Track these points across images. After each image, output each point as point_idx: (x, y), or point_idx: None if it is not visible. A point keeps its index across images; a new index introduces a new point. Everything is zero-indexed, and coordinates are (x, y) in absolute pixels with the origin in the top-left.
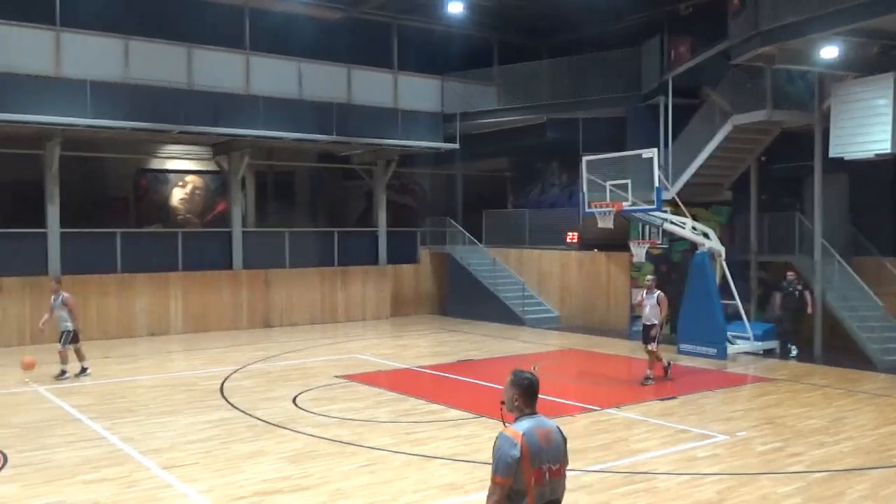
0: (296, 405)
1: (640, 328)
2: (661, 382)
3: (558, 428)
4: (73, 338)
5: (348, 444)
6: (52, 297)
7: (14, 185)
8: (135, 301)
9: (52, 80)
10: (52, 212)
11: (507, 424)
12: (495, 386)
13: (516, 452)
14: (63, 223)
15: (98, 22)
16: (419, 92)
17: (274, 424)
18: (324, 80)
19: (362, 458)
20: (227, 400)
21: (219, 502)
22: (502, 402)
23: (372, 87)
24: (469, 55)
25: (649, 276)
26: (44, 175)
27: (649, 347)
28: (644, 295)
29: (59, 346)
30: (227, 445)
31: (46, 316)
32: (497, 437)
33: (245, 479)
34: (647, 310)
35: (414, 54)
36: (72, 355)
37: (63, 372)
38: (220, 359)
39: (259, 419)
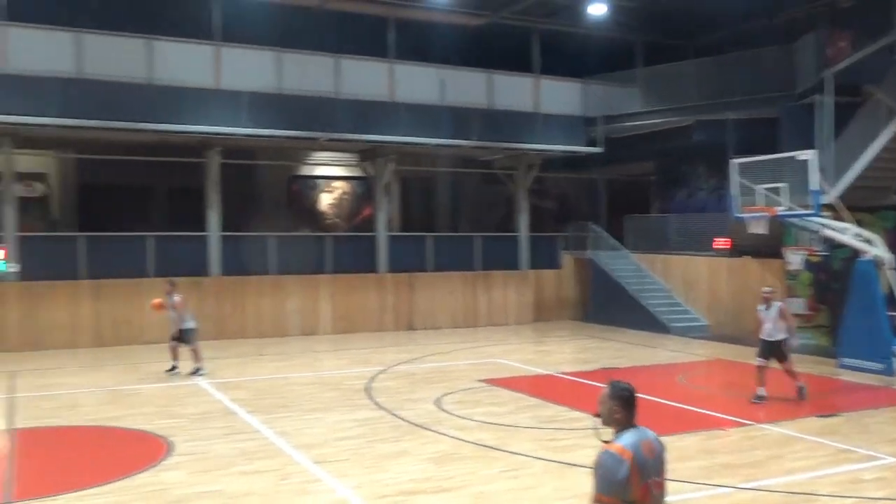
0: (439, 407)
1: (784, 341)
2: (822, 398)
3: (657, 437)
4: (180, 337)
5: (490, 448)
6: (167, 298)
7: (178, 192)
8: (287, 302)
9: (212, 92)
10: (213, 217)
11: (607, 440)
12: (643, 396)
13: (625, 470)
14: (222, 227)
15: (255, 36)
16: (560, 96)
17: (417, 425)
18: (465, 86)
19: (504, 463)
20: (372, 399)
21: (365, 499)
22: (597, 415)
23: (512, 91)
24: (610, 57)
25: (766, 288)
26: (205, 182)
27: (759, 363)
28: (763, 308)
29: (187, 345)
30: (372, 444)
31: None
32: (600, 454)
33: (390, 477)
34: (768, 325)
35: (554, 58)
36: (181, 352)
37: (198, 369)
38: (366, 359)
39: (403, 419)
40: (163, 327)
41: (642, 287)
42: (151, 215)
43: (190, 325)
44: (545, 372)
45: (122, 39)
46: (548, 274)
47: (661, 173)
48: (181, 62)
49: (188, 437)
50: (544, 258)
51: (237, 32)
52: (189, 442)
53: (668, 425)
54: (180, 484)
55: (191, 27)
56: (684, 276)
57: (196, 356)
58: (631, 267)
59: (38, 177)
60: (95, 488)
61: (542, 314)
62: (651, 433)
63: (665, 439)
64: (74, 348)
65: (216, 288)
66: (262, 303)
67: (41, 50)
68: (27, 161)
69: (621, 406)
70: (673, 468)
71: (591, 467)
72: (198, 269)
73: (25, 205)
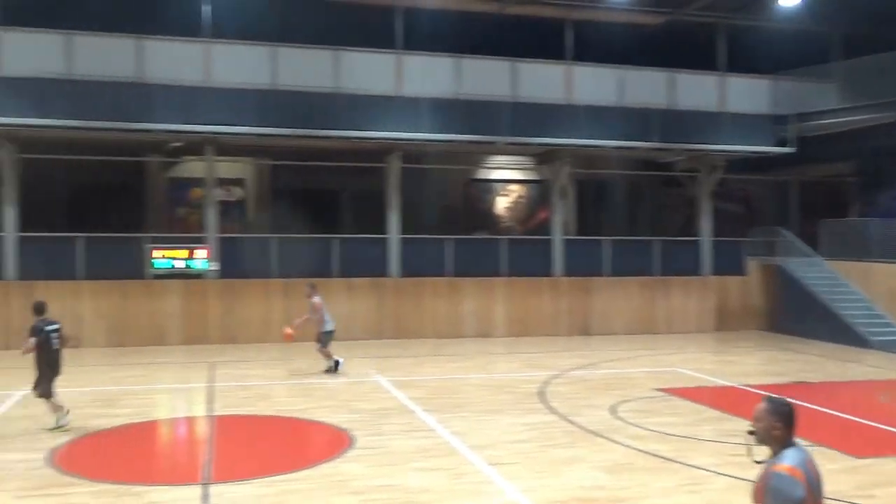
0: (614, 415)
1: None
2: None
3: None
4: (326, 339)
5: (668, 459)
6: (308, 299)
7: (360, 195)
8: (462, 304)
9: (394, 98)
10: (393, 219)
11: (760, 460)
12: (838, 414)
13: (801, 492)
14: (401, 230)
15: (435, 44)
16: (747, 94)
17: (591, 432)
18: (644, 87)
19: (682, 476)
20: (546, 404)
21: (536, 503)
22: (751, 433)
23: (695, 90)
24: (802, 52)
25: None
26: (386, 186)
27: None
28: None
29: (321, 346)
30: (544, 449)
31: (305, 317)
32: (770, 477)
33: (561, 483)
34: None
35: (740, 54)
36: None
37: (330, 369)
38: (540, 363)
39: (577, 425)
40: (345, 325)
41: (837, 297)
42: (337, 218)
43: (328, 327)
44: (728, 383)
45: (312, 52)
46: (732, 281)
47: (862, 174)
48: (366, 71)
49: (368, 432)
50: (728, 264)
51: (418, 41)
52: (369, 436)
53: (867, 447)
54: (361, 476)
55: (374, 37)
56: (889, 287)
57: (325, 355)
58: (825, 275)
59: (237, 182)
60: (284, 475)
61: (725, 323)
62: (808, 451)
63: (863, 462)
64: (265, 343)
65: (395, 289)
66: (438, 304)
67: (241, 64)
68: (227, 167)
69: (782, 423)
70: (872, 494)
71: (756, 490)
72: (378, 270)
73: (225, 208)
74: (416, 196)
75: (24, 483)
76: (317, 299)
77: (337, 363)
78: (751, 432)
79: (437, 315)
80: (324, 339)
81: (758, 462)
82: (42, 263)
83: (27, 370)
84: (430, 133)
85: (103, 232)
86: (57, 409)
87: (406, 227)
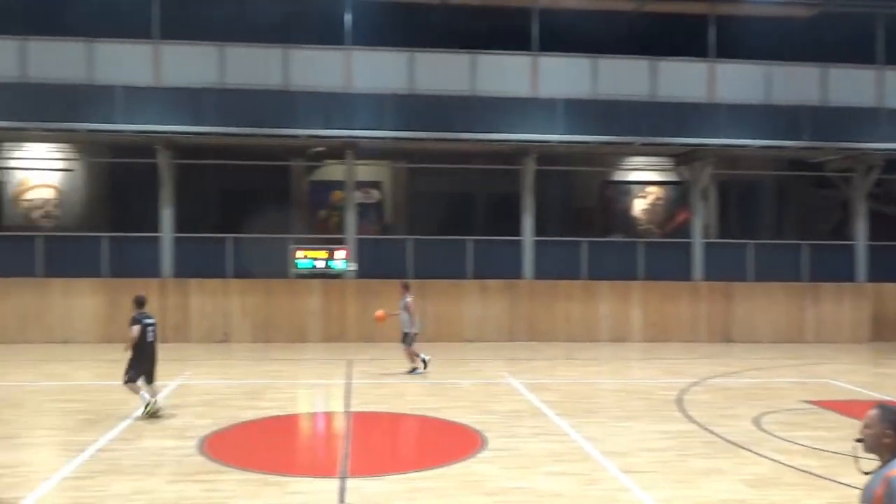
0: (758, 426)
1: None
2: None
3: None
4: (410, 339)
5: (817, 476)
6: (400, 299)
7: (494, 198)
8: (598, 307)
9: (529, 100)
10: (527, 221)
11: (868, 471)
12: None
13: None
14: (535, 232)
15: (571, 45)
16: None
17: (733, 443)
18: (794, 83)
19: (833, 495)
20: (684, 412)
21: None
22: (859, 440)
23: (850, 85)
24: None
25: None
26: (520, 188)
27: None
28: None
29: (402, 345)
30: (683, 458)
31: (396, 312)
32: (889, 483)
33: (701, 495)
34: None
35: None
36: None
37: (414, 369)
38: (678, 370)
39: (717, 436)
40: (477, 327)
41: None
42: (471, 220)
43: (413, 328)
44: (886, 397)
45: (448, 56)
46: (890, 288)
47: None
48: (501, 73)
49: (501, 434)
50: (887, 270)
51: (554, 42)
52: (501, 438)
53: None
54: (494, 477)
55: (510, 39)
56: None
57: (410, 357)
58: None
59: (375, 185)
60: (418, 472)
61: (883, 333)
62: None
63: None
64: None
65: (529, 291)
66: (572, 307)
67: (380, 70)
68: (366, 171)
69: (894, 430)
70: None
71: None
72: (512, 272)
73: (363, 210)
74: (550, 198)
75: (176, 469)
76: (409, 299)
77: (425, 361)
78: (859, 440)
79: (570, 318)
80: (407, 339)
81: (866, 473)
82: (194, 262)
83: (178, 362)
84: (565, 134)
85: (250, 233)
86: (143, 395)
87: (540, 230)
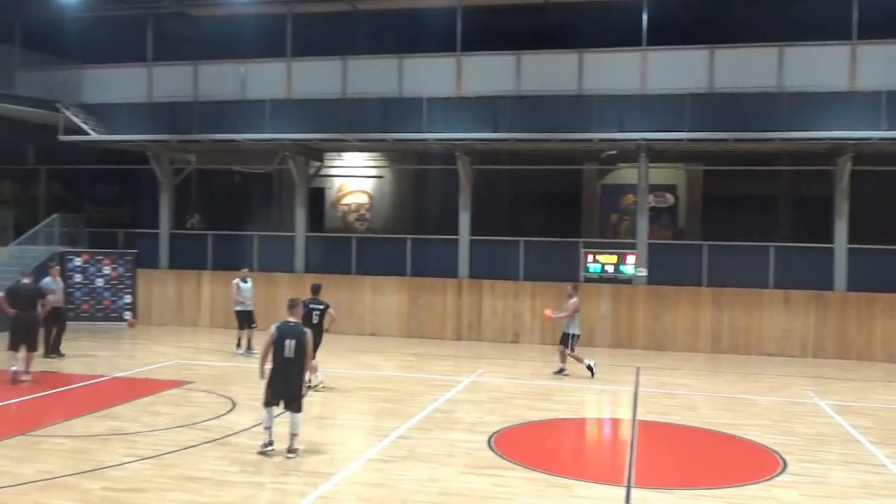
0: None
1: None
2: None
3: None
4: (572, 341)
5: None
6: (566, 300)
7: (801, 201)
8: None
9: (845, 94)
10: (840, 227)
11: None
12: None
13: None
14: (851, 239)
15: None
16: None
17: None
18: None
19: None
20: None
21: None
22: None
23: None
24: None
25: None
26: (833, 190)
27: None
28: None
29: (561, 346)
30: None
31: (563, 314)
32: None
33: None
34: None
35: None
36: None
37: (561, 370)
38: None
39: None
40: (777, 341)
41: None
42: (774, 225)
43: (574, 331)
44: None
45: (751, 51)
46: None
47: None
48: (814, 66)
49: (803, 458)
50: None
51: (874, 28)
52: (804, 463)
53: None
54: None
55: (823, 29)
56: None
57: (577, 360)
58: None
59: (669, 188)
60: (708, 490)
61: None
62: None
63: None
64: (693, 352)
65: (840, 304)
66: (893, 324)
67: (675, 69)
68: (659, 174)
69: None
70: None
71: None
72: (821, 282)
73: (655, 214)
74: (869, 201)
75: (467, 461)
76: (573, 301)
77: (591, 368)
78: None
79: (891, 336)
80: (566, 340)
81: None
82: (488, 264)
83: (472, 360)
84: (890, 131)
85: (541, 236)
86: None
87: (855, 236)
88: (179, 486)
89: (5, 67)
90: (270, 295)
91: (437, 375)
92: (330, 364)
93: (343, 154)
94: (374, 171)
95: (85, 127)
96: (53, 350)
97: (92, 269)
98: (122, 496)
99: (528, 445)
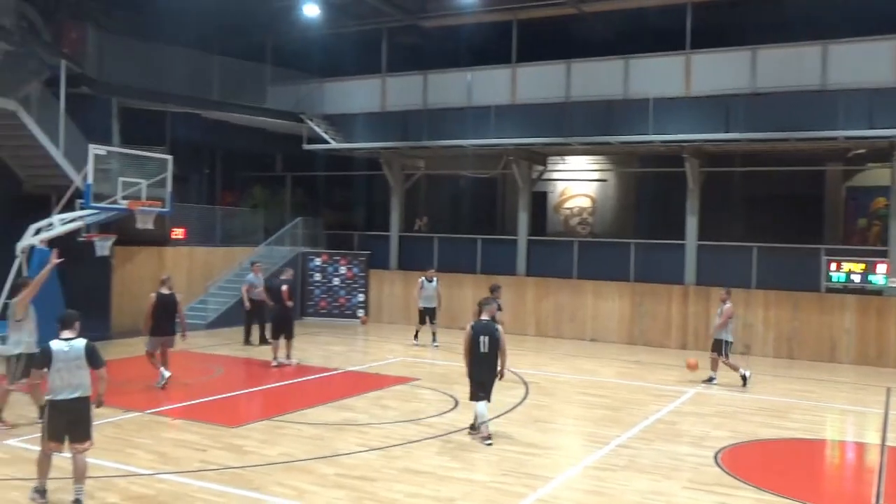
0: None
1: None
2: None
3: None
4: (726, 348)
5: None
6: (720, 305)
7: None
8: None
9: None
10: None
11: None
12: None
13: None
14: None
15: None
16: None
17: None
18: None
19: None
20: None
21: None
22: None
23: None
24: None
25: None
26: None
27: None
28: None
29: (713, 353)
30: None
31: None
32: None
33: None
34: None
35: None
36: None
37: (711, 379)
38: None
39: None
40: None
41: None
42: None
43: (727, 337)
44: None
45: None
46: None
47: None
48: None
49: None
50: None
51: None
52: None
53: None
54: None
55: None
56: None
57: (732, 367)
58: None
59: None
60: None
61: None
62: None
63: None
64: None
65: None
66: None
67: None
68: None
69: None
70: None
71: None
72: None
73: None
74: None
75: (692, 476)
76: (727, 306)
77: (745, 378)
78: None
79: None
80: (719, 347)
81: None
82: (717, 271)
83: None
84: None
85: (778, 242)
86: None
87: None
88: (405, 478)
89: (258, 84)
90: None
91: (659, 385)
92: (548, 367)
93: (566, 158)
94: (597, 175)
95: (326, 136)
96: (262, 340)
97: (330, 269)
98: (353, 483)
99: (759, 464)
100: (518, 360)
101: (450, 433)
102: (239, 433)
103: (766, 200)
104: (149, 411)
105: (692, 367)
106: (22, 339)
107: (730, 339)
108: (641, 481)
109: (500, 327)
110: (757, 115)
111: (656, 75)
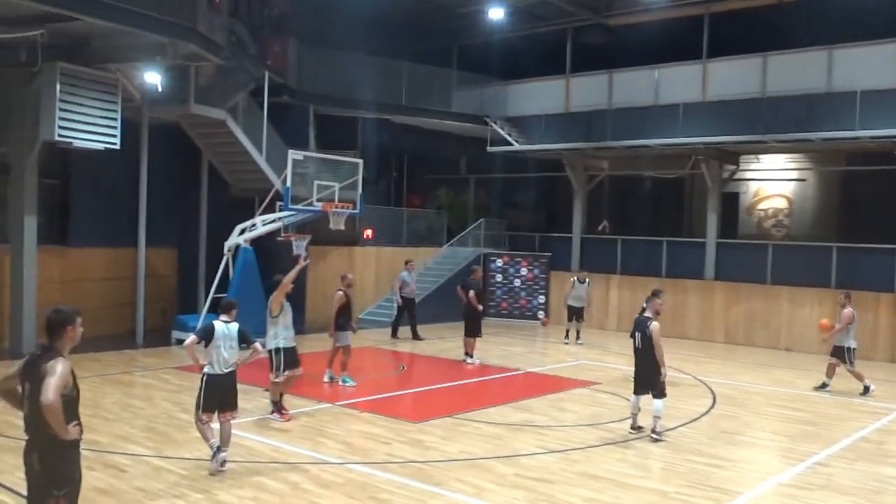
0: None
1: None
2: None
3: None
4: (849, 355)
5: None
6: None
7: None
8: None
9: None
10: None
11: None
12: None
13: None
14: None
15: None
16: None
17: None
18: None
19: None
20: None
21: None
22: None
23: None
24: None
25: None
26: None
27: None
28: None
29: (833, 359)
30: None
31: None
32: None
33: None
34: None
35: None
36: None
37: (867, 388)
38: None
39: None
40: None
41: None
42: None
43: (849, 343)
44: None
45: None
46: None
47: None
48: None
49: None
50: None
51: None
52: None
53: None
54: None
55: None
56: None
57: (857, 376)
58: None
59: None
60: None
61: None
62: None
63: None
64: None
65: None
66: None
67: None
68: None
69: None
70: None
71: None
72: None
73: None
74: None
75: None
76: (847, 311)
77: (824, 384)
78: None
79: None
80: (841, 353)
81: None
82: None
83: None
84: None
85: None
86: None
87: None
88: (583, 482)
89: (445, 88)
90: (679, 301)
91: (863, 400)
92: (737, 376)
93: (760, 157)
94: (794, 174)
95: (509, 138)
96: (415, 335)
97: (511, 270)
98: (531, 484)
99: None
100: (703, 367)
101: (629, 440)
102: (422, 429)
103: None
104: (338, 403)
105: (824, 329)
106: (278, 333)
107: (853, 345)
108: (841, 503)
109: (653, 324)
110: None
111: (865, 66)
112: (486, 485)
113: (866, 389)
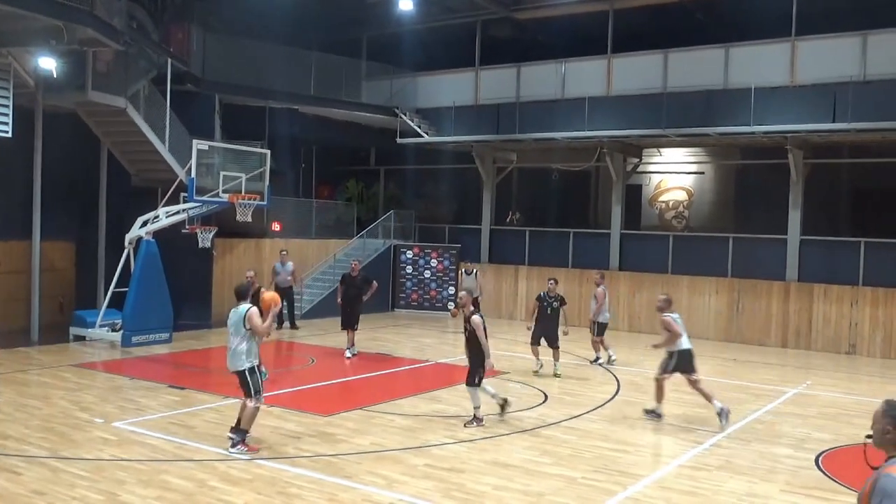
0: None
1: None
2: None
3: None
4: (600, 329)
5: None
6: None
7: None
8: None
9: None
10: None
11: (876, 466)
12: None
13: None
14: None
15: None
16: None
17: None
18: None
19: None
20: None
21: None
22: (868, 437)
23: None
24: None
25: None
26: None
27: None
28: None
29: (596, 336)
30: None
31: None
32: (880, 479)
33: None
34: None
35: None
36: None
37: (597, 359)
38: None
39: None
40: None
41: None
42: None
43: (601, 319)
44: None
45: None
46: None
47: None
48: None
49: None
50: None
51: None
52: None
53: None
54: None
55: None
56: None
57: (595, 347)
58: None
59: None
60: None
61: None
62: None
63: None
64: None
65: None
66: None
67: None
68: None
69: (894, 426)
70: None
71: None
72: None
73: None
74: None
75: (790, 479)
76: (601, 289)
77: (609, 358)
78: (868, 436)
79: None
80: (600, 328)
81: (873, 468)
82: (821, 267)
83: (801, 370)
84: None
85: (887, 237)
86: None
87: None
88: (493, 470)
89: (354, 79)
90: (585, 292)
91: (757, 384)
92: (640, 364)
93: (662, 150)
94: (694, 168)
95: (418, 130)
96: (292, 324)
97: (421, 262)
98: (442, 474)
99: (864, 469)
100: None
101: (538, 427)
102: (332, 422)
103: (877, 193)
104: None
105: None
106: (252, 350)
107: (603, 320)
108: (737, 482)
109: (476, 316)
110: (866, 104)
111: (759, 64)
112: (397, 476)
113: (596, 360)
